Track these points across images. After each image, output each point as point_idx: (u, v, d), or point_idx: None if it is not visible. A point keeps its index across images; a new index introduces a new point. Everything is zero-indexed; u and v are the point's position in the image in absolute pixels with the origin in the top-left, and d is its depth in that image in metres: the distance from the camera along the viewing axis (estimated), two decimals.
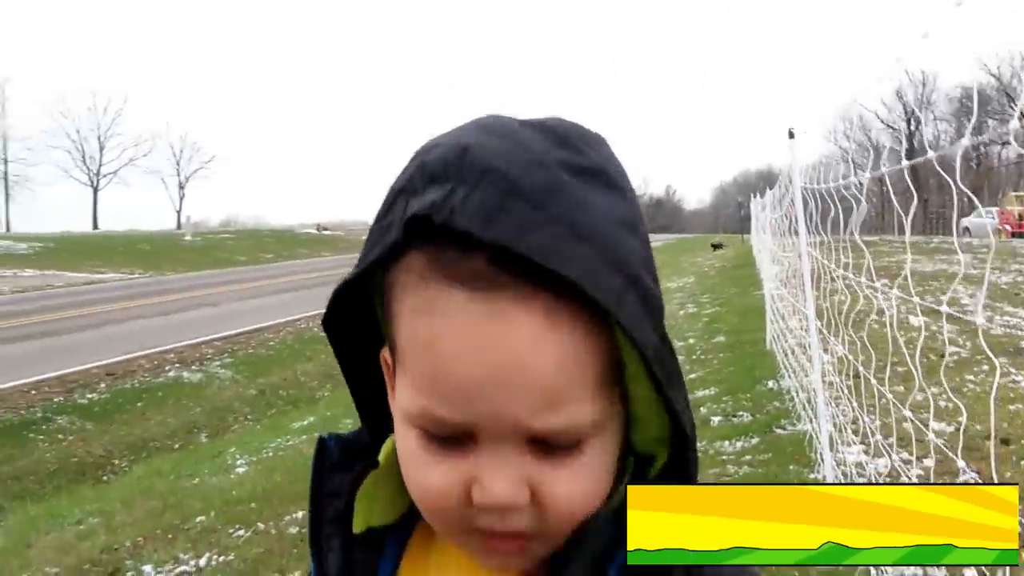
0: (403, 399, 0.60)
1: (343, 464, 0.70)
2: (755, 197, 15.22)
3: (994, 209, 36.80)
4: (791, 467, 4.62)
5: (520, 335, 0.54)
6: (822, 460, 4.15)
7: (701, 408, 6.37)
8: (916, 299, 2.34)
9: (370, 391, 0.71)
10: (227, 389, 12.51)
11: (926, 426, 2.81)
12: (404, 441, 0.62)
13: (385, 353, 0.66)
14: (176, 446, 9.87)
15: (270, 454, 7.62)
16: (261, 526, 4.84)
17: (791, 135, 4.24)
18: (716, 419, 6.01)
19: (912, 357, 2.40)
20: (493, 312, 0.54)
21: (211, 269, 34.82)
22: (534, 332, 0.55)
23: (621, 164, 0.64)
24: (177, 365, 13.35)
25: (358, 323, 0.68)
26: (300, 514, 4.94)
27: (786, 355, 6.77)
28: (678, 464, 0.64)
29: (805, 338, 5.11)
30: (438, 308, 0.55)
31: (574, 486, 0.59)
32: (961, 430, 2.11)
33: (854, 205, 3.34)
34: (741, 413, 6.08)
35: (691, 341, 10.07)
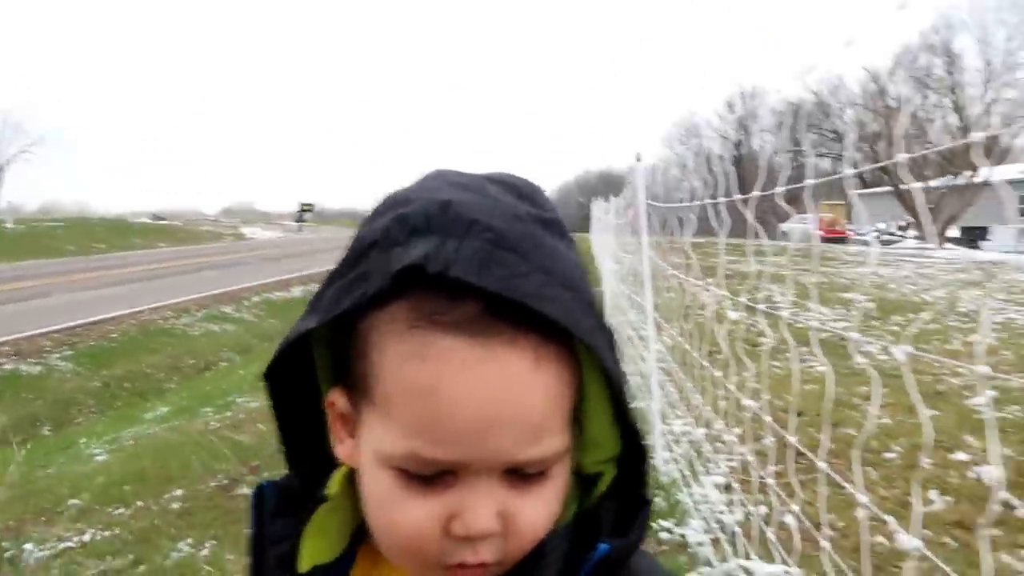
0: (382, 443, 0.61)
1: (283, 509, 0.71)
2: (596, 200, 16.18)
3: (810, 216, 40.07)
4: None
5: (512, 375, 0.58)
6: (653, 429, 4.85)
7: None
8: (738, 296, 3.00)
9: (302, 438, 0.73)
10: (69, 381, 12.16)
11: (739, 402, 3.48)
12: (377, 483, 0.62)
13: (335, 398, 0.67)
14: (19, 439, 9.61)
15: (130, 442, 7.67)
16: (140, 503, 5.05)
17: (638, 159, 4.93)
18: None
19: (730, 345, 3.07)
20: (488, 355, 0.57)
21: (38, 259, 32.79)
22: (524, 372, 0.58)
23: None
24: (14, 357, 12.82)
25: (294, 372, 0.69)
26: (180, 492, 5.18)
27: (624, 344, 7.56)
28: (632, 479, 0.68)
29: (642, 328, 5.82)
30: (433, 354, 0.57)
31: (540, 511, 0.62)
32: (767, 405, 2.78)
33: (686, 217, 4.02)
34: None
35: None
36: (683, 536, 3.68)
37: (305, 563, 0.69)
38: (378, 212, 0.64)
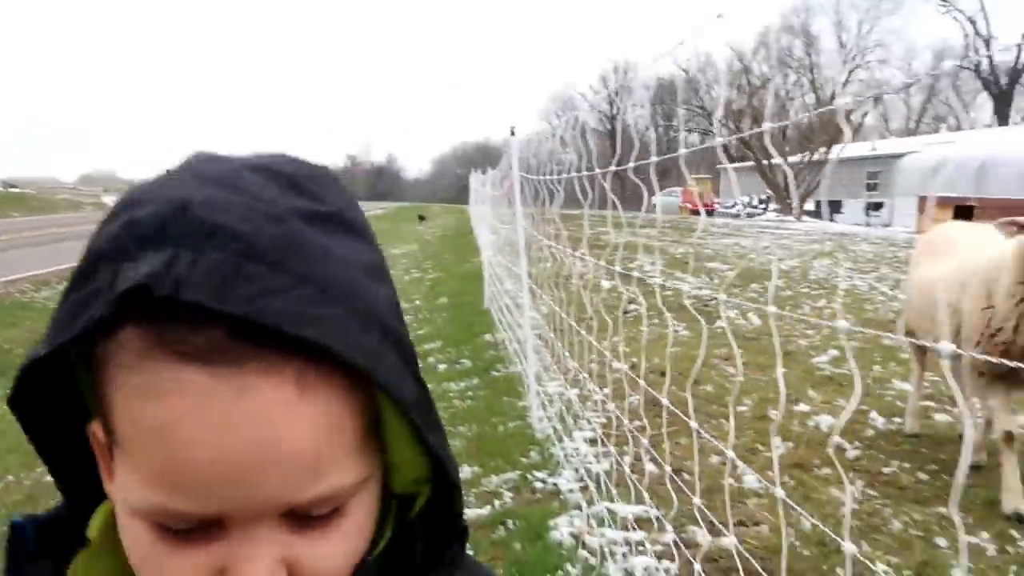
0: (128, 491, 0.53)
1: (44, 549, 0.62)
2: (475, 171, 16.36)
3: (679, 189, 41.61)
4: (504, 398, 5.59)
5: (269, 409, 0.49)
6: (529, 390, 5.13)
7: (429, 358, 7.21)
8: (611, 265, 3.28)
9: (70, 463, 0.62)
10: None
11: (610, 364, 3.77)
12: (132, 534, 0.54)
13: (95, 428, 0.57)
14: None
15: None
16: (11, 478, 4.98)
17: (512, 132, 5.15)
18: (442, 366, 6.89)
19: (596, 312, 3.35)
20: (235, 388, 0.48)
21: None
22: (285, 404, 0.49)
23: (355, 200, 0.61)
24: None
25: (51, 393, 0.58)
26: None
27: (501, 312, 7.83)
28: (443, 500, 0.62)
29: (519, 296, 6.09)
30: (168, 388, 0.48)
31: (336, 551, 0.55)
32: (638, 365, 3.07)
33: (556, 189, 4.27)
34: (463, 360, 7.02)
35: (417, 302, 10.92)
36: (555, 484, 3.97)
37: None
38: (112, 214, 0.54)
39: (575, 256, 4.05)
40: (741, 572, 2.28)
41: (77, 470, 0.61)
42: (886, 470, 4.19)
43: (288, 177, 0.55)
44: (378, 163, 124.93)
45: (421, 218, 36.18)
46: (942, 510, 3.63)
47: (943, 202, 27.98)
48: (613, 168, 3.05)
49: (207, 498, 0.49)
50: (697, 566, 2.28)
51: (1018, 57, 61.11)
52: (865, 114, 51.77)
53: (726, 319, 1.79)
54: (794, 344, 7.25)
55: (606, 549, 3.20)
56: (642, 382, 3.18)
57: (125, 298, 0.48)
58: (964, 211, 27.88)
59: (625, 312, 6.53)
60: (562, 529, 3.47)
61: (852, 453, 4.42)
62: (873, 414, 5.10)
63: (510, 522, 3.59)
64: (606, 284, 9.02)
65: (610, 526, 3.41)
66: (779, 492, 1.76)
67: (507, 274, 8.14)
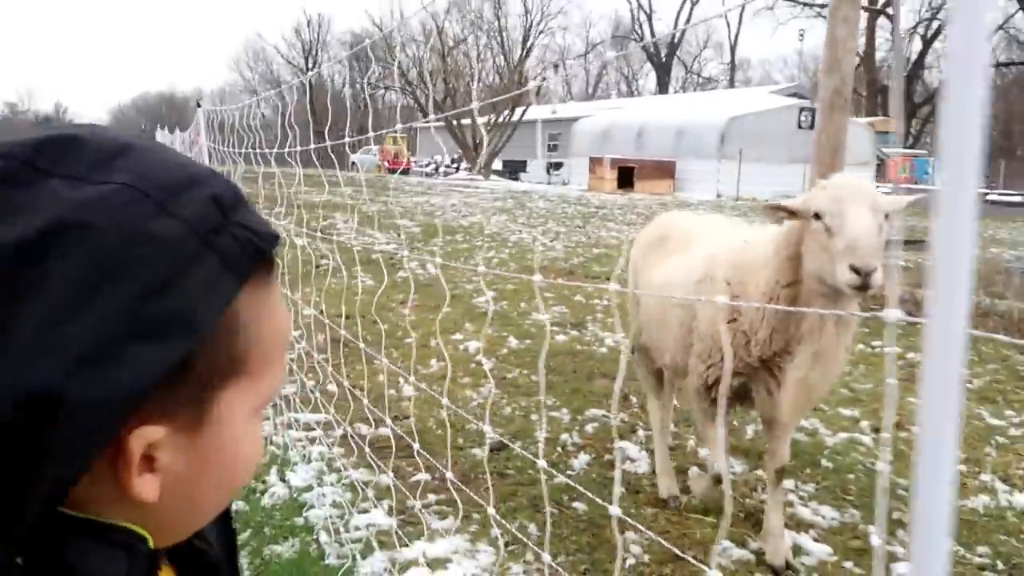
0: (254, 398, 0.62)
1: None
2: (161, 129, 16.08)
3: (376, 148, 42.49)
4: None
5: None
6: None
7: None
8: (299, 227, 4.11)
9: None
10: None
11: (301, 311, 4.61)
12: (247, 442, 0.63)
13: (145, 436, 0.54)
14: None
15: None
16: None
17: (199, 105, 5.74)
18: None
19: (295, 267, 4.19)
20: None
21: None
22: None
23: None
24: None
25: None
26: None
27: None
28: None
29: None
30: (274, 295, 0.64)
31: None
32: (325, 311, 3.95)
33: (238, 158, 4.98)
34: None
35: None
36: None
37: None
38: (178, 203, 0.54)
39: (268, 216, 4.83)
40: (393, 448, 3.27)
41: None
42: (509, 375, 5.48)
43: None
44: (44, 113, 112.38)
45: None
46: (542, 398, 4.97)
47: (610, 163, 31.60)
48: (313, 146, 3.86)
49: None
50: (367, 449, 3.26)
51: (675, 32, 68.71)
52: (544, 79, 55.63)
53: (408, 270, 2.56)
54: (460, 288, 8.53)
55: (289, 444, 4.11)
56: (327, 322, 4.08)
57: (258, 252, 0.58)
58: (626, 171, 31.76)
59: (317, 266, 7.38)
60: None
61: (488, 364, 5.68)
62: (512, 339, 6.43)
63: None
64: (299, 242, 9.75)
65: (295, 430, 4.32)
66: (425, 391, 2.77)
67: None
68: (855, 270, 2.34)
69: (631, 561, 3.10)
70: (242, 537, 3.21)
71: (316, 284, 4.88)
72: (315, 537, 3.18)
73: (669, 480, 3.71)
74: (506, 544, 3.07)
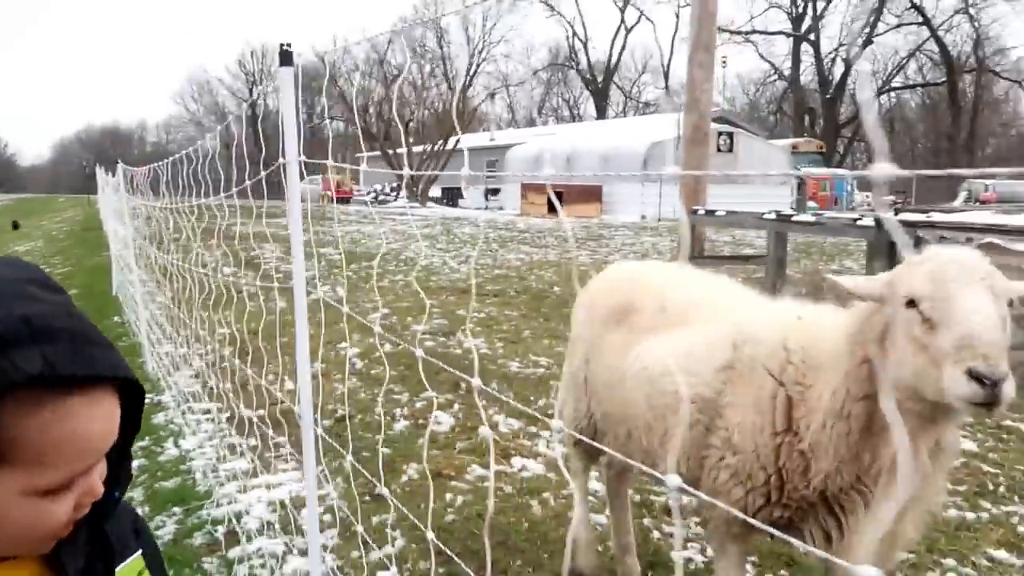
0: (20, 484, 0.89)
1: None
2: (100, 169, 17.07)
3: (319, 177, 43.45)
4: (127, 357, 7.46)
5: (108, 410, 0.95)
6: (144, 355, 7.09)
7: None
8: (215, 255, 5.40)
9: None
10: None
11: (200, 334, 5.86)
12: (18, 508, 0.89)
13: None
14: None
15: None
16: None
17: (91, 169, 6.98)
18: None
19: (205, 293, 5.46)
20: (96, 403, 0.92)
21: None
22: (112, 406, 0.95)
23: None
24: None
25: None
26: None
27: (130, 300, 9.54)
28: (125, 452, 1.06)
29: (144, 286, 7.93)
30: (66, 415, 0.89)
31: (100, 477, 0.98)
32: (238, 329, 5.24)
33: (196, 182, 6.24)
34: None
35: None
36: (160, 401, 6.05)
37: None
38: None
39: (201, 249, 6.09)
40: (266, 422, 4.54)
41: None
42: (374, 372, 6.78)
43: (43, 282, 0.96)
44: None
45: (15, 226, 29.90)
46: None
47: (537, 188, 33.14)
48: (246, 183, 5.12)
49: (89, 461, 0.94)
50: (247, 422, 4.54)
51: (610, 58, 70.77)
52: (481, 103, 57.06)
53: (321, 292, 2.82)
54: (360, 307, 9.82)
55: (184, 423, 5.39)
56: (237, 335, 5.34)
57: (31, 375, 0.84)
58: (554, 195, 33.24)
59: (239, 292, 8.59)
60: (162, 426, 5.59)
61: (359, 363, 6.98)
62: (387, 345, 7.75)
63: None
64: (228, 270, 10.96)
65: (192, 414, 5.59)
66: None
67: (135, 264, 9.82)
68: (977, 377, 1.66)
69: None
70: (138, 479, 4.48)
71: (237, 307, 6.14)
72: (192, 476, 4.48)
73: (631, 560, 3.38)
74: (326, 476, 4.38)
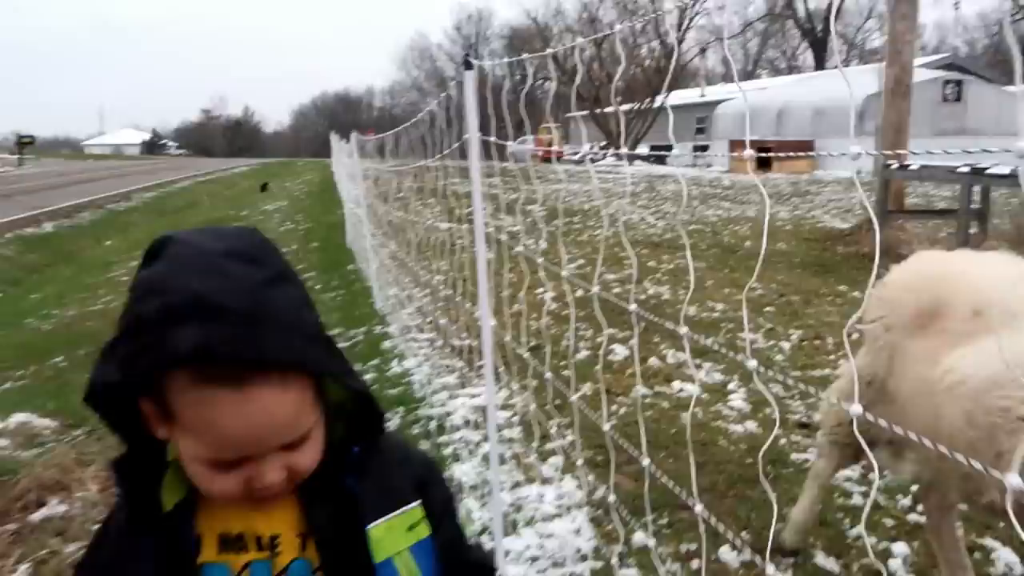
0: (190, 448, 0.94)
1: (136, 471, 1.01)
2: (333, 134, 18.96)
3: (531, 137, 44.83)
4: (359, 299, 8.79)
5: (267, 402, 0.90)
6: (374, 296, 8.35)
7: (308, 283, 10.29)
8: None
9: (122, 421, 0.99)
10: None
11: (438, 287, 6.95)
12: (192, 466, 0.96)
13: (145, 406, 0.95)
14: None
15: None
16: None
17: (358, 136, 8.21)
18: (318, 286, 10.00)
19: (436, 247, 6.57)
20: (247, 398, 0.89)
21: None
22: (276, 396, 0.91)
23: (281, 253, 1.01)
24: None
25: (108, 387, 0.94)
26: None
27: (362, 251, 11.00)
28: (367, 410, 1.08)
29: (373, 238, 9.26)
30: (210, 402, 0.89)
31: (310, 454, 1.00)
32: (457, 281, 6.32)
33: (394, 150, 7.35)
34: (333, 282, 10.16)
35: (294, 247, 13.86)
36: (386, 332, 7.24)
37: (167, 503, 1.00)
38: (142, 294, 0.91)
39: (420, 206, 7.21)
40: (481, 353, 5.54)
41: (127, 425, 0.99)
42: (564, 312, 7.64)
43: (245, 254, 0.93)
44: (235, 117, 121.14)
45: (264, 187, 30.59)
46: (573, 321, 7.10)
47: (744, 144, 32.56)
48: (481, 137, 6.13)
49: (234, 451, 0.93)
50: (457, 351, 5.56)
51: (830, 6, 66.60)
52: (694, 58, 55.91)
53: (523, 246, 3.19)
54: (558, 257, 10.72)
55: (407, 348, 6.51)
56: (454, 291, 6.41)
57: (181, 356, 0.86)
58: (763, 152, 32.64)
59: (453, 245, 9.78)
60: (389, 350, 6.75)
61: (553, 305, 7.86)
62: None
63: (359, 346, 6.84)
64: (443, 226, 12.24)
65: (415, 343, 6.71)
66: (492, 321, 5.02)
67: (368, 220, 11.26)
68: None
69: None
70: (371, 388, 5.61)
71: (451, 257, 7.20)
72: (412, 386, 5.57)
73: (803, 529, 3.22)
74: (521, 387, 5.30)
